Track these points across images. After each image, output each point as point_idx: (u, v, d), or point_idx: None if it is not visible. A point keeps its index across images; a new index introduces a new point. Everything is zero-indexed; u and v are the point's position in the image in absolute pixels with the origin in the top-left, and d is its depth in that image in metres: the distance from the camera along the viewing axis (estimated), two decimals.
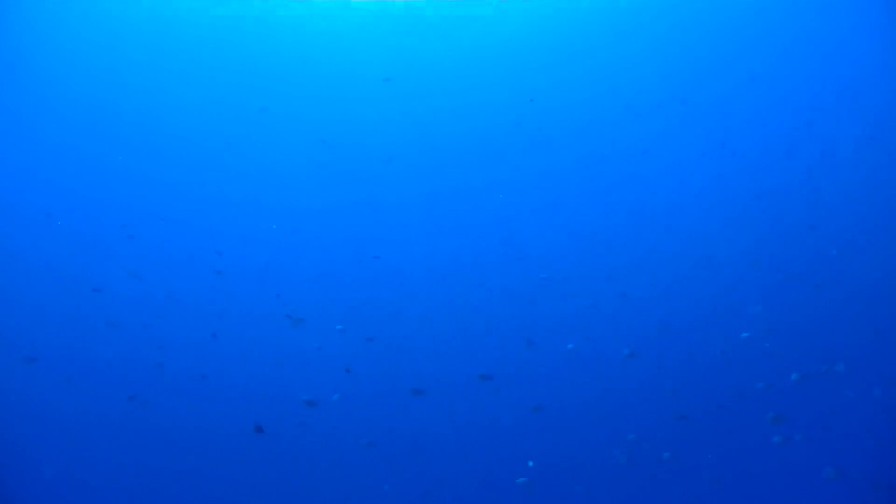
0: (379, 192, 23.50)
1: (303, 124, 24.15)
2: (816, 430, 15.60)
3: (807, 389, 16.01)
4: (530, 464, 15.91)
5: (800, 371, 16.25)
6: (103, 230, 21.21)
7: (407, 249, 22.19)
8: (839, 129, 22.25)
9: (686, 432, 16.00)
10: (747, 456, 15.42)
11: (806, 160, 22.04)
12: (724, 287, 19.25)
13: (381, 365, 17.57)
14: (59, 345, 17.68)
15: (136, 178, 22.52)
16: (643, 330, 18.62)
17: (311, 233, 22.67)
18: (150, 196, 22.33)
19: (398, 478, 15.55)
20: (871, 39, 22.30)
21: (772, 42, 23.22)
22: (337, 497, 15.44)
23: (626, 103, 24.11)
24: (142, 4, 21.73)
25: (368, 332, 18.79)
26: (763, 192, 21.67)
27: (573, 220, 22.58)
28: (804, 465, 15.41)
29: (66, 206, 21.31)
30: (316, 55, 23.89)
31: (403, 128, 24.33)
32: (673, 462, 15.74)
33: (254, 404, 17.22)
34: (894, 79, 21.75)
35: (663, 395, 16.48)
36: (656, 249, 20.96)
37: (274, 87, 23.97)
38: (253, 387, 17.44)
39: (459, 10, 23.18)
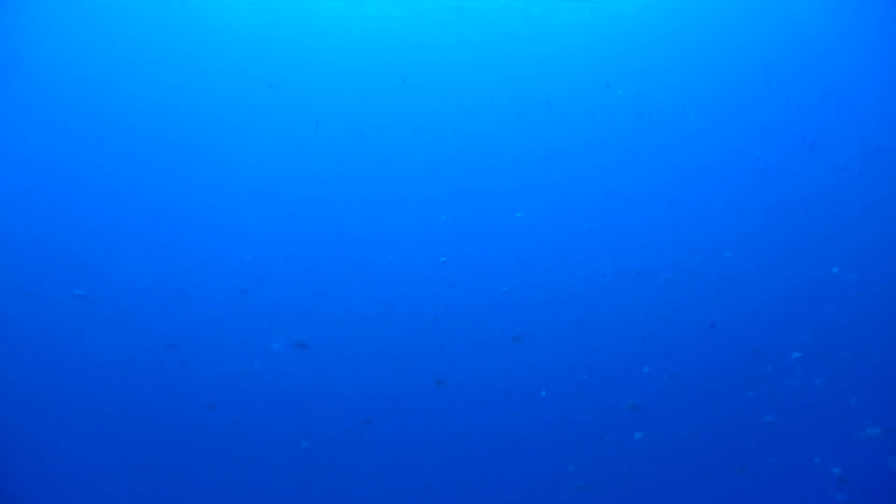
0: (382, 188, 24.16)
1: (307, 119, 24.63)
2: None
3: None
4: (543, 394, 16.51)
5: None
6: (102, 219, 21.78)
7: (404, 244, 22.82)
8: (850, 135, 21.67)
9: (567, 412, 16.23)
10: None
11: (815, 167, 21.56)
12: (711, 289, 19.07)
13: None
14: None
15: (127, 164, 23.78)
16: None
17: (308, 230, 23.58)
18: (143, 185, 23.59)
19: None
20: (886, 49, 21.64)
21: (784, 50, 22.84)
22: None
23: (637, 108, 24.08)
24: None
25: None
26: (769, 200, 21.33)
27: (573, 220, 22.78)
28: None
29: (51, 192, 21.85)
30: (327, 51, 24.04)
31: (408, 123, 24.92)
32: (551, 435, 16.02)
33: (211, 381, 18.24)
34: None
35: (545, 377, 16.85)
36: (640, 248, 20.97)
37: (284, 79, 23.84)
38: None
39: (475, 6, 23.61)
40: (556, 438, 16.00)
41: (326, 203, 23.38)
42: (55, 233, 20.66)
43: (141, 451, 16.27)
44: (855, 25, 21.72)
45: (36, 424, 16.35)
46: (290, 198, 23.56)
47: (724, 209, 21.06)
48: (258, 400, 17.20)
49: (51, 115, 22.34)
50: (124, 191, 22.39)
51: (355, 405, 17.14)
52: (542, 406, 16.22)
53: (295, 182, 23.74)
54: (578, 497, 14.85)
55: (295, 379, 17.64)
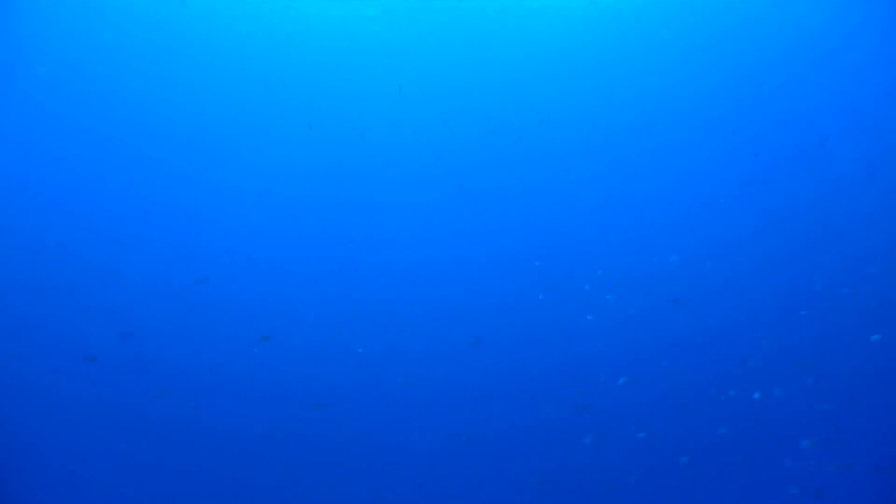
0: (375, 192, 24.26)
1: (302, 121, 24.88)
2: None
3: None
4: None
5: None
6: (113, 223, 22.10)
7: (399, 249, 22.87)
8: (854, 144, 21.70)
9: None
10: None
11: (819, 176, 21.61)
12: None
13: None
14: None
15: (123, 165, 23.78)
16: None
17: (306, 231, 23.58)
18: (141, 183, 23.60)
19: None
20: (889, 53, 21.68)
21: (785, 55, 22.86)
22: None
23: (632, 114, 24.16)
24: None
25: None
26: (772, 209, 21.40)
27: (573, 223, 22.87)
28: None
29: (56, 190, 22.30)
30: (325, 52, 24.19)
31: (407, 125, 24.95)
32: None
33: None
34: None
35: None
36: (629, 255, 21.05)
37: (282, 83, 24.10)
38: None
39: (472, 9, 23.55)
40: (514, 438, 16.21)
41: (299, 200, 23.48)
42: (16, 223, 20.78)
43: (100, 438, 16.44)
44: (856, 30, 21.75)
45: None
46: (261, 191, 23.62)
47: (715, 215, 21.15)
48: (216, 389, 17.33)
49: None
50: (83, 178, 22.41)
51: (314, 399, 17.33)
52: (502, 406, 16.46)
53: (267, 176, 23.84)
54: (537, 496, 15.04)
55: (255, 371, 17.76)
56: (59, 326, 18.16)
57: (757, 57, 23.11)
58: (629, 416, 16.16)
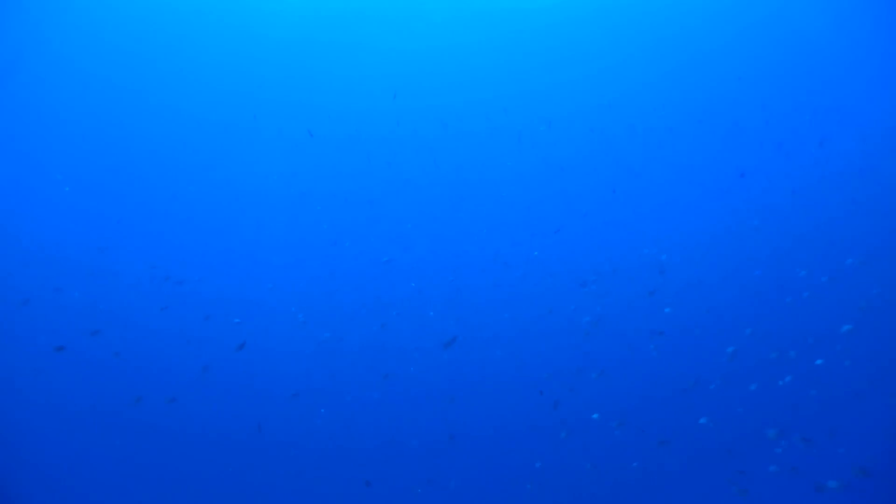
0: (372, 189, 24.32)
1: (299, 124, 25.07)
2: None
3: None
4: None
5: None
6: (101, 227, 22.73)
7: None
8: (849, 144, 21.69)
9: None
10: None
11: (810, 172, 21.60)
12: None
13: None
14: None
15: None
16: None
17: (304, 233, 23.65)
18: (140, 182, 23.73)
19: None
20: (889, 60, 21.67)
21: (786, 62, 22.85)
22: None
23: (636, 112, 24.15)
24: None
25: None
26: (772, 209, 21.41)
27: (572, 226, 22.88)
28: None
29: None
30: (316, 55, 24.92)
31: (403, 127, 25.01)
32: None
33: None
34: None
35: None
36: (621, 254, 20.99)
37: (277, 90, 24.54)
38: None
39: (470, 14, 23.60)
40: (495, 428, 16.37)
41: (280, 200, 23.52)
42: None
43: (86, 436, 16.47)
44: (855, 32, 21.73)
45: None
46: (239, 192, 23.71)
47: (710, 207, 21.13)
48: (201, 382, 17.40)
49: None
50: (69, 178, 22.69)
51: (294, 399, 17.42)
52: (483, 399, 16.60)
53: (245, 178, 23.89)
54: (503, 488, 15.14)
55: (236, 366, 17.87)
56: (42, 324, 18.26)
57: (757, 56, 23.11)
58: (610, 408, 16.28)
